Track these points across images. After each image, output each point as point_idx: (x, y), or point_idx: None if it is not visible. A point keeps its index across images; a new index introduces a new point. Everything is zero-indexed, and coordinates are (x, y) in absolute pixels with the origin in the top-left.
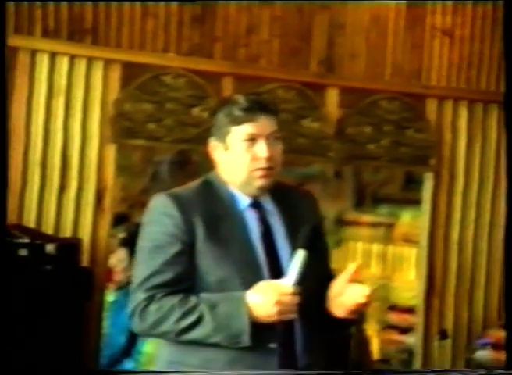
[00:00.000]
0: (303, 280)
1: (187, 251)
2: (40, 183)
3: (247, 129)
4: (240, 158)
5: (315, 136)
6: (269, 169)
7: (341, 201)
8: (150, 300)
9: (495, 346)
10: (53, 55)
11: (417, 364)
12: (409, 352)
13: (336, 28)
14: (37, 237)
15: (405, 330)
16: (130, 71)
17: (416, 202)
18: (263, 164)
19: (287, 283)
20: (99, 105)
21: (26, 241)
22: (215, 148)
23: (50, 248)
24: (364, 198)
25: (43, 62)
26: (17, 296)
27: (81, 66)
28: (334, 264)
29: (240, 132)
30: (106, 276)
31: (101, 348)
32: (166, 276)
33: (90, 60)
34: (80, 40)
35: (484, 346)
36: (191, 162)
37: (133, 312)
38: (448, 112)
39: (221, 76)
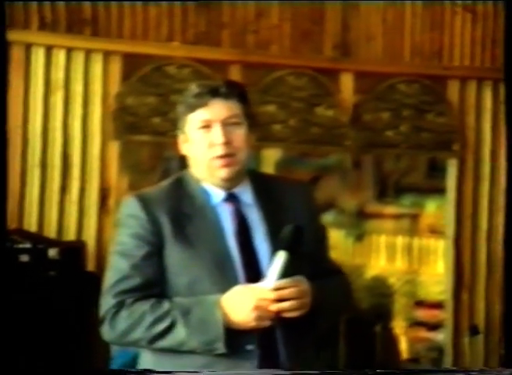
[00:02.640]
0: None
1: (156, 253)
2: (41, 184)
3: (200, 115)
4: (197, 146)
5: (330, 124)
6: (229, 156)
7: (361, 192)
8: (120, 306)
9: None
10: (49, 49)
11: (448, 362)
12: (439, 350)
13: (350, 9)
14: (39, 241)
15: (434, 326)
16: (131, 63)
17: (441, 191)
18: (220, 151)
19: (266, 287)
20: (100, 100)
21: (28, 246)
22: (180, 141)
23: (53, 252)
24: (386, 189)
25: (38, 56)
26: (19, 304)
27: (79, 59)
28: (357, 259)
29: (194, 119)
30: None
31: (110, 358)
32: (135, 280)
33: (89, 53)
34: (79, 31)
35: None
36: None
37: (102, 319)
38: (471, 94)
39: (228, 65)
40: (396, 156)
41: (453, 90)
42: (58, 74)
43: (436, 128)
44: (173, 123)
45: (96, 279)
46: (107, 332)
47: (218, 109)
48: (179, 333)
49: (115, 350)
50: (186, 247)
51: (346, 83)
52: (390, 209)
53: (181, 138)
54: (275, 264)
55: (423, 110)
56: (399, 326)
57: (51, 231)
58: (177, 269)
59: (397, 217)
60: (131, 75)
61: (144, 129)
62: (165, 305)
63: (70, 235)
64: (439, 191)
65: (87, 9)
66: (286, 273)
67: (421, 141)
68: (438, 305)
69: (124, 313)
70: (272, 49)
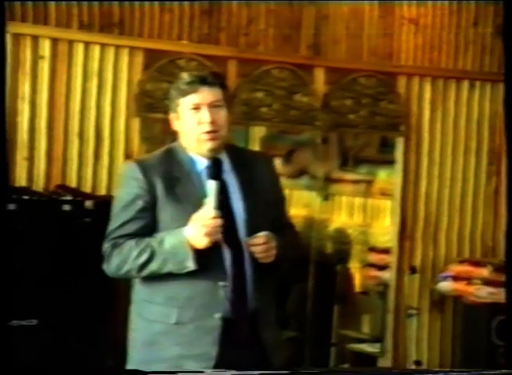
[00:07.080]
0: (253, 226)
1: (149, 208)
2: (79, 151)
3: (191, 99)
4: (188, 124)
5: (305, 108)
6: (214, 132)
7: (328, 162)
8: (114, 246)
9: (455, 278)
10: (87, 45)
11: (392, 294)
12: (385, 285)
13: (321, 19)
14: (78, 194)
15: (382, 267)
16: (151, 56)
17: (390, 162)
18: (207, 128)
19: (209, 209)
20: (125, 85)
21: (69, 198)
22: (172, 119)
23: (88, 203)
24: (347, 160)
25: (78, 50)
26: (61, 244)
27: (110, 53)
28: (324, 215)
29: (186, 102)
30: None
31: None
32: (130, 228)
33: (118, 48)
34: (108, 32)
35: (445, 278)
36: None
37: (102, 259)
38: (415, 87)
39: (226, 60)
40: (355, 134)
41: (401, 84)
42: (94, 65)
43: (388, 113)
44: None
45: None
46: (106, 268)
47: (205, 95)
48: (158, 259)
49: None
50: (176, 203)
51: (319, 77)
52: (350, 176)
53: (173, 116)
54: (210, 192)
55: (378, 99)
56: (354, 266)
57: (87, 187)
58: (166, 221)
59: (355, 182)
60: (150, 66)
61: (159, 109)
62: (146, 240)
63: (102, 191)
64: (389, 162)
65: (116, 13)
66: (220, 197)
67: (376, 123)
68: (385, 251)
69: (116, 251)
70: (260, 48)
